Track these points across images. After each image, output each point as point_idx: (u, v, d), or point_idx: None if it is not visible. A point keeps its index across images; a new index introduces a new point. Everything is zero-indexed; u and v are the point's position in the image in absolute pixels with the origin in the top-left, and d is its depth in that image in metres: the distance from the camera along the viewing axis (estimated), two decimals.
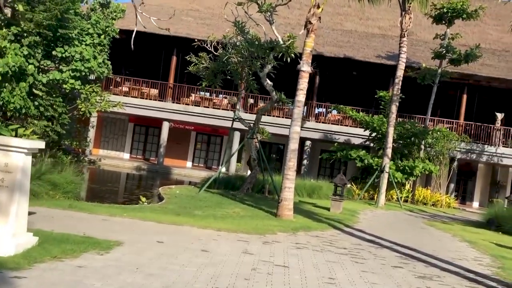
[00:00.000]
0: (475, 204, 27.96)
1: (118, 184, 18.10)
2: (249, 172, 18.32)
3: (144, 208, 10.47)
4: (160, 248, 6.76)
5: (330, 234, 9.99)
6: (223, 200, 14.02)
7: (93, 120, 26.73)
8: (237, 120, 17.34)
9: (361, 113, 23.27)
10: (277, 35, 14.60)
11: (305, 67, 11.50)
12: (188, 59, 17.41)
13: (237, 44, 15.50)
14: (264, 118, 25.31)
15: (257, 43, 14.51)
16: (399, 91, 19.56)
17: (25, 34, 18.12)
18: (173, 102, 27.09)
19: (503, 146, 25.54)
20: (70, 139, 24.44)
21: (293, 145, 11.48)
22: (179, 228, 8.53)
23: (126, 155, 30.16)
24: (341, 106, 23.83)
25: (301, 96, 11.48)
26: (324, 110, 28.56)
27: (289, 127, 25.99)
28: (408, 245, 9.71)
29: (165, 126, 26.98)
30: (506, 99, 28.09)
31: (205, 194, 15.30)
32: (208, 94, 28.11)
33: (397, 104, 19.59)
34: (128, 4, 24.47)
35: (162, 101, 27.15)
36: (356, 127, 25.66)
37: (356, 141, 25.68)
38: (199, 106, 27.10)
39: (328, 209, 14.50)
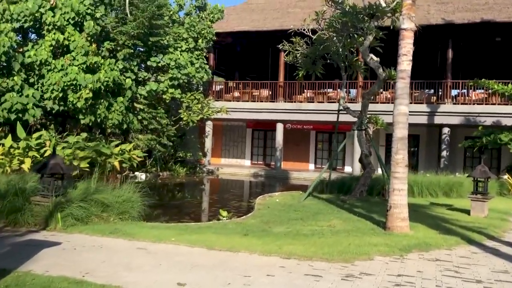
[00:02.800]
0: None
1: (217, 195, 16.56)
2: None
3: (208, 228, 8.47)
4: None
5: (461, 255, 6.82)
6: (326, 208, 11.43)
7: (209, 129, 26.14)
8: (344, 111, 14.57)
9: (510, 85, 18.49)
10: None
11: (407, 23, 8.44)
12: (281, 47, 15.20)
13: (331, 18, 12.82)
14: (385, 106, 21.91)
15: (351, 10, 11.69)
16: None
17: (119, 48, 17.86)
18: (285, 101, 25.09)
19: None
20: (185, 150, 24.10)
21: (400, 132, 8.48)
22: (231, 256, 6.31)
23: (247, 162, 29.03)
24: (483, 80, 19.24)
25: (405, 64, 8.44)
26: (465, 90, 23.78)
27: (419, 113, 22.57)
28: None
29: (279, 128, 25.08)
30: None
31: (309, 202, 12.87)
32: (331, 89, 25.61)
33: None
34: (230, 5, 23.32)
35: (274, 101, 25.35)
36: (507, 104, 20.80)
37: (508, 121, 20.78)
38: (312, 102, 24.68)
39: (468, 212, 10.97)
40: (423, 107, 22.45)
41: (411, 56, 8.52)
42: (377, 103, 22.86)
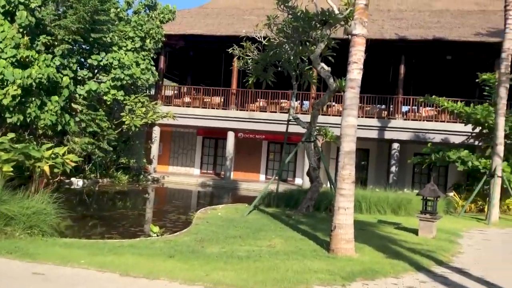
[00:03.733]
0: None
1: (156, 206, 15.47)
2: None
3: (130, 247, 7.45)
4: None
5: (408, 284, 6.17)
6: (269, 224, 10.65)
7: (155, 135, 24.93)
8: (294, 121, 13.92)
9: (459, 103, 18.52)
10: (331, 4, 11.08)
11: (359, 29, 7.85)
12: (230, 51, 14.43)
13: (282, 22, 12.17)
14: (336, 119, 21.52)
15: (302, 16, 11.08)
16: (509, 69, 14.78)
17: (57, 43, 16.50)
18: (237, 110, 24.32)
19: None
20: (129, 156, 22.74)
21: (348, 145, 7.83)
22: (147, 285, 5.36)
23: (196, 171, 27.95)
24: (433, 97, 19.16)
25: (355, 72, 7.83)
26: (415, 106, 23.78)
27: (369, 128, 22.35)
28: None
29: (230, 137, 24.27)
30: None
31: (253, 216, 12.07)
32: (285, 100, 24.96)
33: (507, 86, 14.78)
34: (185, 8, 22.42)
35: (226, 109, 24.53)
36: (455, 122, 20.89)
37: (456, 139, 20.92)
38: (265, 111, 24.05)
39: (416, 232, 10.49)
40: (374, 122, 22.31)
41: (362, 64, 7.92)
42: (329, 115, 22.54)
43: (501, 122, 14.65)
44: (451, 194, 18.33)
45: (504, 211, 16.45)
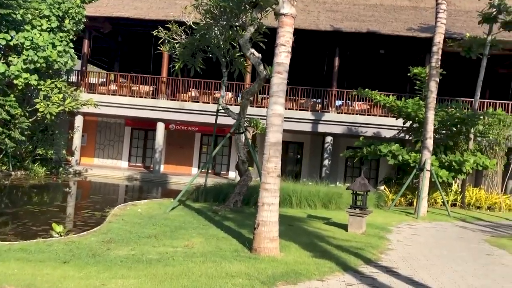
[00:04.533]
0: None
1: (71, 202, 14.14)
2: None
3: (21, 250, 6.35)
4: None
5: None
6: (192, 221, 9.82)
7: (78, 124, 23.21)
8: (223, 111, 13.13)
9: (391, 97, 18.56)
10: None
11: (287, 8, 7.16)
12: (155, 33, 13.36)
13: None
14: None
15: None
16: (439, 63, 14.86)
17: None
18: (168, 99, 23.16)
19: None
20: (47, 147, 20.94)
21: (274, 136, 7.15)
22: None
23: (124, 164, 26.44)
24: (366, 90, 19.07)
25: (283, 55, 7.15)
26: (349, 101, 23.71)
27: (304, 121, 22.04)
28: None
29: (160, 128, 23.09)
30: None
31: (177, 212, 11.18)
32: (218, 91, 24.01)
33: (437, 80, 14.87)
34: None
35: (155, 98, 23.28)
36: (387, 116, 21.04)
37: (388, 133, 21.11)
38: (197, 102, 23.08)
39: (346, 228, 10.09)
40: (308, 115, 22.03)
41: (290, 47, 7.25)
42: (263, 107, 21.96)
43: (431, 116, 14.69)
44: (382, 187, 18.38)
45: (431, 205, 16.67)
